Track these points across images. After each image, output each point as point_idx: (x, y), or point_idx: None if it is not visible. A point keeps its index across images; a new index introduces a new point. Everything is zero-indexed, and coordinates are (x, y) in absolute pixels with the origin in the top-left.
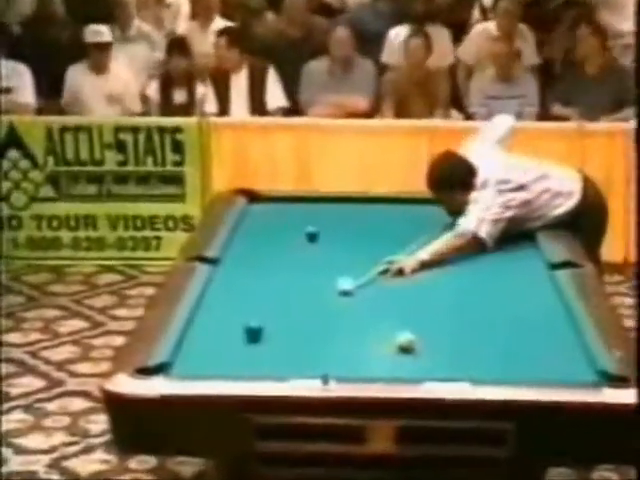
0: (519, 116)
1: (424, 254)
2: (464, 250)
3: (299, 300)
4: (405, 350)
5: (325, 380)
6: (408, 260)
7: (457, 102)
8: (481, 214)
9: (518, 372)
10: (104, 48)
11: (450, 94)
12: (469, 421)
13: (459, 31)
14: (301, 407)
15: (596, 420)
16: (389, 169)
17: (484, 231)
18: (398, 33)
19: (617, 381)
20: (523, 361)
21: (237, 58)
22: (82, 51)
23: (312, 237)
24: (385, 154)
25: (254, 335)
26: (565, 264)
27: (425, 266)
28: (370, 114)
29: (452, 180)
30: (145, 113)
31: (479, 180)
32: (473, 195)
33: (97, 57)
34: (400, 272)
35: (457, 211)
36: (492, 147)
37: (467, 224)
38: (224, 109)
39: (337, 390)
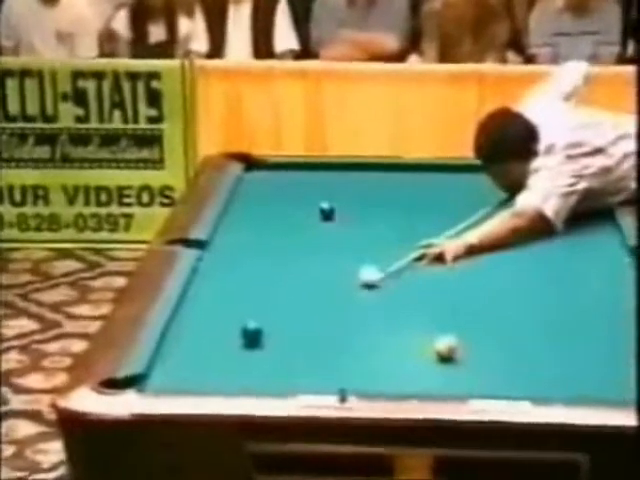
0: (595, 58)
1: (472, 238)
2: (524, 233)
3: (309, 294)
4: (445, 358)
5: (343, 396)
6: (451, 244)
7: (514, 41)
8: (546, 187)
9: (590, 389)
10: None
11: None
12: (529, 451)
13: None
14: (312, 431)
15: None
16: (426, 128)
17: (551, 208)
18: None
19: None
20: (596, 375)
21: None
22: None
23: (326, 214)
24: (421, 108)
25: (252, 339)
26: None
27: (472, 253)
28: (401, 56)
29: (507, 146)
30: (111, 54)
31: (543, 145)
32: (535, 164)
33: None
34: (440, 259)
35: (513, 186)
36: (559, 101)
37: (529, 199)
38: (218, 49)
39: (358, 409)
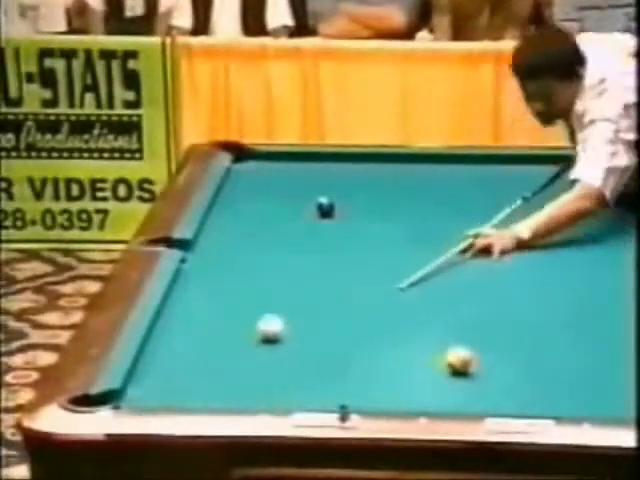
0: (627, 32)
1: (524, 230)
2: (586, 216)
3: (303, 300)
4: (458, 372)
5: (344, 415)
6: (500, 236)
7: (536, 16)
8: (604, 163)
9: (617, 408)
10: None
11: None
12: (550, 475)
13: None
14: (309, 454)
15: None
16: (436, 113)
17: (609, 188)
18: None
19: None
20: (623, 392)
21: None
22: None
23: (325, 211)
24: (431, 92)
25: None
26: None
27: (522, 247)
28: (409, 33)
29: (552, 62)
30: (82, 30)
31: (593, 77)
32: (585, 133)
33: None
34: (486, 251)
35: (550, 115)
36: (614, 50)
37: (590, 178)
38: (204, 25)
39: (361, 429)
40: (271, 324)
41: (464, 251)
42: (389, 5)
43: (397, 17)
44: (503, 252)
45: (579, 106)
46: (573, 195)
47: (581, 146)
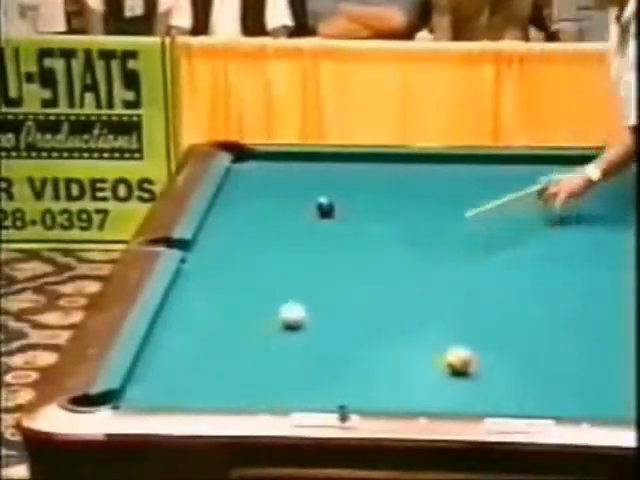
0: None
1: (594, 169)
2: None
3: (302, 300)
4: (457, 372)
5: (343, 415)
6: (572, 179)
7: (536, 16)
8: None
9: (618, 408)
10: None
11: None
12: (550, 475)
13: None
14: (308, 454)
15: None
16: (437, 113)
17: None
18: None
19: None
20: (624, 392)
21: None
22: None
23: (325, 211)
24: (431, 92)
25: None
26: None
27: (594, 185)
28: (409, 33)
29: None
30: (81, 30)
31: None
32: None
33: None
34: (552, 198)
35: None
36: None
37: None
38: (203, 25)
39: (360, 429)
40: (293, 311)
41: (539, 194)
42: (389, 5)
43: (397, 17)
44: (575, 194)
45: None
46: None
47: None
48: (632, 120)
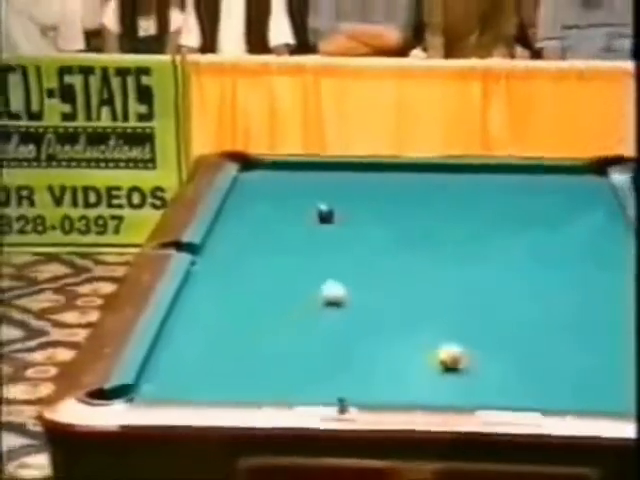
0: (607, 51)
1: None
2: None
3: (305, 300)
4: (450, 367)
5: (342, 407)
6: None
7: (522, 35)
8: None
9: (602, 401)
10: None
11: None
12: (537, 465)
13: None
14: (309, 444)
15: None
16: (430, 126)
17: None
18: None
19: None
20: (608, 386)
21: None
22: None
23: (325, 217)
24: (424, 106)
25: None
26: None
27: None
28: (404, 51)
29: None
30: (97, 48)
31: None
32: None
33: None
34: None
35: None
36: None
37: None
38: (211, 44)
39: (358, 420)
40: (332, 289)
41: None
42: (386, 24)
43: (393, 35)
44: None
45: None
46: None
47: None
48: None
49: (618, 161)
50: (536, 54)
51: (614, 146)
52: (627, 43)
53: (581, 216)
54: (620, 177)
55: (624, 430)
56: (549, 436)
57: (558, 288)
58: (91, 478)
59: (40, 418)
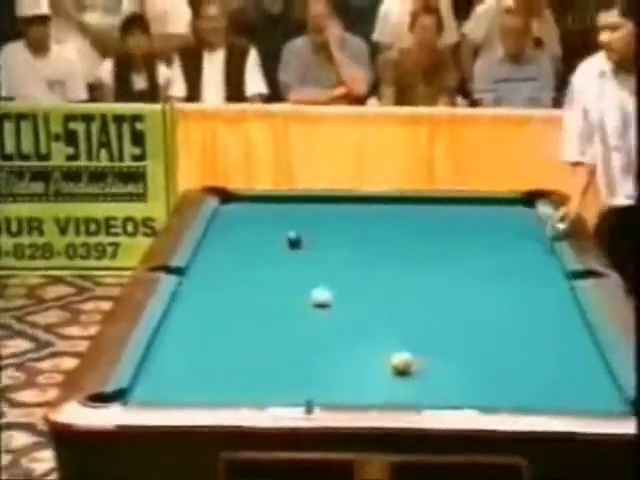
0: (532, 102)
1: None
2: None
3: (276, 315)
4: (401, 372)
5: (309, 408)
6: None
7: (461, 87)
8: None
9: (533, 398)
10: (42, 22)
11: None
12: (476, 455)
13: (463, 5)
14: (281, 440)
15: (625, 456)
16: (384, 164)
17: None
18: (391, 6)
19: None
20: (539, 386)
21: (221, 35)
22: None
23: (294, 243)
24: (379, 147)
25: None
26: (587, 273)
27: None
28: (361, 100)
29: None
30: (97, 99)
31: None
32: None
33: (34, 34)
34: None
35: None
36: None
37: None
38: (194, 94)
39: (323, 419)
40: (320, 294)
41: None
42: (358, 72)
43: (361, 85)
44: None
45: None
46: None
47: None
48: (565, 156)
49: (544, 195)
50: (474, 103)
51: (540, 181)
52: (548, 94)
53: (512, 241)
54: (545, 208)
55: (550, 424)
56: (485, 431)
57: (498, 300)
58: (90, 472)
59: (46, 419)
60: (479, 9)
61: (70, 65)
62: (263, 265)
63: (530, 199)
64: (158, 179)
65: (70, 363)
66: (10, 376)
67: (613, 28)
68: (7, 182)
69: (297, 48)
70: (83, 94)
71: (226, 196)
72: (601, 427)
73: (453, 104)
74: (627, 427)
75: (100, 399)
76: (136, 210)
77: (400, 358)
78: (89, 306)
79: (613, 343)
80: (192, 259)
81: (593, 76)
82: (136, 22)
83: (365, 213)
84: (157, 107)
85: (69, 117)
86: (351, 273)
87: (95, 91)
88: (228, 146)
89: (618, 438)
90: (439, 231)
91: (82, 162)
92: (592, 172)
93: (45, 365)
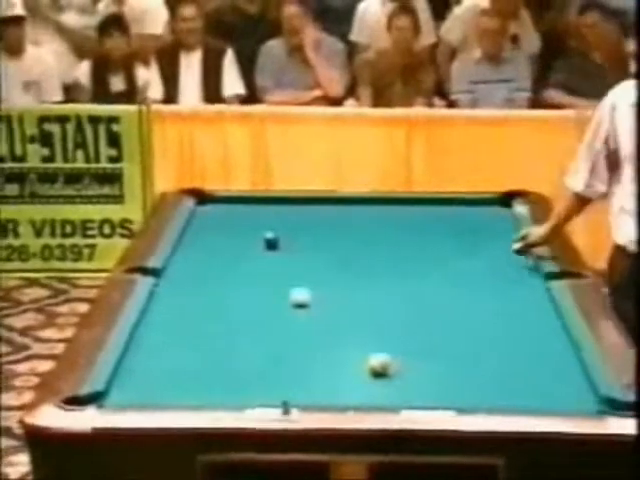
0: (509, 103)
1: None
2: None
3: (253, 316)
4: (379, 374)
5: (286, 409)
6: (538, 231)
7: (438, 88)
8: None
9: (510, 399)
10: (17, 24)
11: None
12: (453, 456)
13: (441, 6)
14: (258, 442)
15: (599, 454)
16: (361, 165)
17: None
18: (368, 7)
19: (624, 410)
20: (516, 387)
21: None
22: None
23: (271, 244)
24: (356, 148)
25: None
26: (563, 274)
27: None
28: (339, 101)
29: None
30: (74, 101)
31: None
32: None
33: (9, 35)
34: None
35: None
36: None
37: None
38: (172, 96)
39: (300, 421)
40: (299, 294)
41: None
42: (334, 74)
43: (339, 86)
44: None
45: None
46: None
47: None
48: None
49: (520, 195)
50: (451, 104)
51: (517, 181)
52: (524, 95)
53: (489, 241)
54: (521, 208)
55: (525, 424)
56: (462, 431)
57: (475, 301)
58: (66, 475)
59: (22, 422)
60: (456, 10)
61: (45, 66)
62: (240, 266)
63: (507, 199)
64: (135, 181)
65: (46, 366)
66: None
67: None
68: None
69: (272, 50)
70: (58, 95)
71: (203, 197)
72: (576, 427)
73: (430, 105)
74: (601, 427)
75: (76, 402)
76: (113, 212)
77: (378, 359)
78: (65, 308)
79: (588, 343)
80: (169, 260)
81: (626, 107)
82: (115, 23)
83: (343, 214)
84: (133, 108)
85: (44, 118)
86: (329, 274)
87: (72, 92)
88: (205, 147)
89: (593, 437)
90: (416, 232)
91: (58, 164)
92: (586, 201)
93: (21, 368)
